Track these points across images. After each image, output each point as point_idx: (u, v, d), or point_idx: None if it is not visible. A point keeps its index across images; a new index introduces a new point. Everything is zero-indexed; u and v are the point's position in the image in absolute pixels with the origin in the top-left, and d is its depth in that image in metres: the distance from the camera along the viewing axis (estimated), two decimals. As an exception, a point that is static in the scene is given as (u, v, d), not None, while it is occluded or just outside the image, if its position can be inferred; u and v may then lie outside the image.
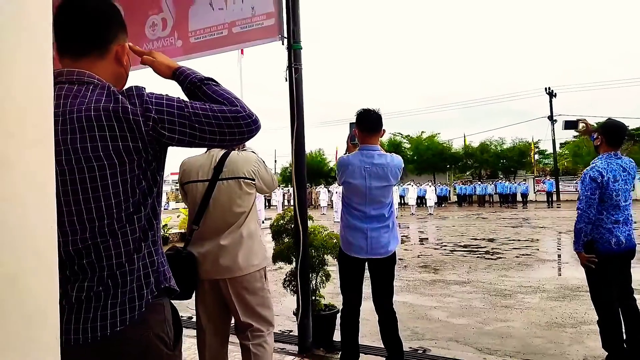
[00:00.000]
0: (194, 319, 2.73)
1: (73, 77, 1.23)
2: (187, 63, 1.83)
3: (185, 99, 1.30)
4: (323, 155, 44.91)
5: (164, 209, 31.22)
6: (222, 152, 2.50)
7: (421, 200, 29.98)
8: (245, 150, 2.62)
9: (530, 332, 4.51)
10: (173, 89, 1.36)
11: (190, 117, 1.22)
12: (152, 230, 1.25)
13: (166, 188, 45.36)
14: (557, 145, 36.46)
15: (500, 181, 33.64)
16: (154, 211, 1.26)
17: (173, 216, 15.70)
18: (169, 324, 1.27)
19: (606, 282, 3.33)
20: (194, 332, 2.70)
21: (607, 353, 3.34)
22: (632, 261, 3.48)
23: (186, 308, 5.02)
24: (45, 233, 0.80)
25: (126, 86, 1.30)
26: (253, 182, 2.48)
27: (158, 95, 1.23)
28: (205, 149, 2.60)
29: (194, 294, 2.49)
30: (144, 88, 1.25)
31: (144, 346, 1.19)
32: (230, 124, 1.25)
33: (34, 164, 0.79)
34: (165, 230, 13.27)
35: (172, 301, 1.36)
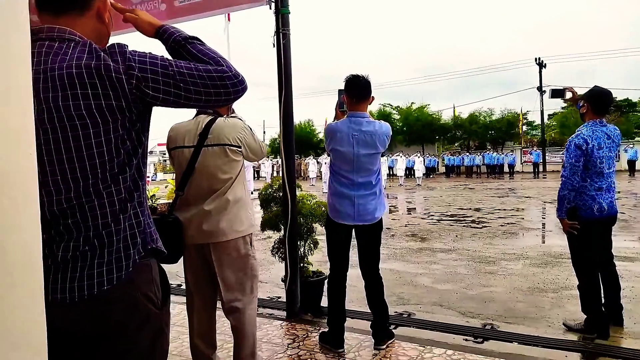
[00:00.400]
0: (184, 287, 2.76)
1: (53, 34, 1.19)
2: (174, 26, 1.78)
3: (170, 58, 1.27)
4: (312, 126, 44.66)
5: (152, 180, 31.04)
6: (209, 118, 2.46)
7: (410, 171, 30.13)
8: (232, 116, 2.58)
9: (512, 296, 4.65)
10: (157, 49, 1.33)
11: (174, 75, 1.19)
12: (137, 191, 1.25)
13: (153, 159, 44.96)
14: (545, 117, 36.71)
15: (488, 152, 33.88)
16: (139, 172, 1.25)
17: (161, 187, 15.63)
18: (157, 283, 1.28)
19: (588, 247, 3.42)
20: (184, 299, 2.74)
21: (586, 316, 3.47)
22: (612, 228, 3.57)
23: (175, 276, 5.06)
24: (25, 189, 0.79)
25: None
26: (239, 150, 2.46)
27: (141, 53, 1.20)
28: (193, 115, 2.57)
29: (181, 259, 2.50)
30: (127, 45, 1.22)
31: (132, 305, 1.21)
32: (215, 83, 1.23)
33: (12, 120, 0.77)
34: (153, 200, 13.21)
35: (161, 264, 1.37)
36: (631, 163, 26.92)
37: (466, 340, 3.33)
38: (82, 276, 1.15)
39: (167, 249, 1.37)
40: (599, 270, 3.45)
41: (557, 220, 3.56)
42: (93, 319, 1.17)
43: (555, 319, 3.92)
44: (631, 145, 28.56)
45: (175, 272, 4.88)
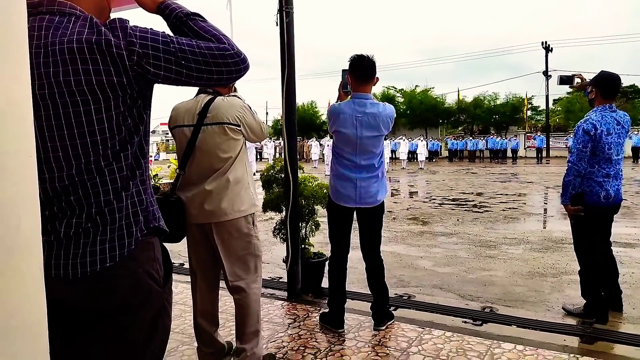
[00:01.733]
0: (186, 265, 2.78)
1: (54, 7, 1.17)
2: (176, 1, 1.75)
3: (171, 34, 1.25)
4: (315, 107, 44.41)
5: (155, 159, 31.06)
6: (208, 97, 2.45)
7: (412, 155, 30.07)
8: (232, 95, 2.56)
9: (512, 280, 4.67)
10: (158, 25, 1.30)
11: (176, 52, 1.17)
12: (139, 169, 1.24)
13: (156, 139, 44.93)
14: (550, 102, 36.41)
15: (491, 137, 33.70)
16: (141, 150, 1.24)
17: (164, 166, 15.65)
18: (159, 261, 1.29)
19: (590, 234, 3.41)
20: (187, 278, 2.76)
21: (585, 301, 3.48)
22: (615, 215, 3.56)
23: (178, 255, 5.10)
24: (24, 163, 0.78)
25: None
26: (238, 128, 2.44)
27: (142, 28, 1.18)
28: (194, 94, 2.55)
29: (184, 239, 2.51)
30: (128, 21, 1.19)
31: (134, 282, 1.21)
32: (217, 62, 1.21)
33: (10, 95, 0.76)
34: (156, 180, 13.25)
35: (164, 244, 1.37)
36: (635, 150, 26.74)
37: (465, 322, 3.36)
38: (85, 253, 1.16)
39: (169, 228, 1.37)
40: (599, 255, 3.45)
41: (559, 206, 3.56)
42: (95, 295, 1.18)
43: (555, 303, 3.94)
44: (636, 132, 28.36)
45: (178, 251, 4.91)
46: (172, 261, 1.41)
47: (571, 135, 3.52)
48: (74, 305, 1.17)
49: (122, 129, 1.18)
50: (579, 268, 3.54)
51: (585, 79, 3.64)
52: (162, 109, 2.59)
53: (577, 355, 2.79)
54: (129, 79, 1.15)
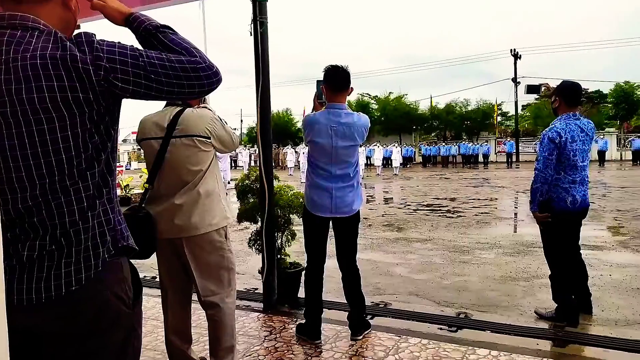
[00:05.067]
0: (158, 279, 2.71)
1: (16, 21, 1.13)
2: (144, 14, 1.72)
3: (140, 47, 1.22)
4: (290, 115, 44.42)
5: (126, 169, 30.40)
6: (177, 109, 2.39)
7: (387, 161, 30.35)
8: (202, 107, 2.51)
9: (485, 285, 4.74)
10: (127, 38, 1.27)
11: (145, 67, 1.14)
12: (106, 187, 1.20)
13: (127, 148, 44.02)
14: (519, 107, 37.38)
15: (463, 142, 34.37)
16: (108, 167, 1.20)
17: (135, 176, 15.35)
18: (128, 283, 1.25)
19: (559, 239, 3.50)
20: (159, 292, 2.69)
21: (556, 305, 3.56)
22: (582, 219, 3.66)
23: (150, 268, 4.98)
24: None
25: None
26: (209, 140, 2.40)
27: (110, 42, 1.15)
28: (163, 105, 2.50)
29: (154, 254, 2.45)
30: (94, 35, 1.16)
31: (102, 305, 1.17)
32: (189, 75, 1.19)
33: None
34: (127, 190, 12.98)
35: (133, 261, 1.33)
36: (601, 154, 27.72)
37: (441, 329, 3.38)
38: (49, 276, 1.11)
39: (138, 244, 1.33)
40: (569, 260, 3.54)
41: (529, 210, 3.63)
42: (61, 320, 1.13)
43: (527, 307, 4.02)
44: (602, 136, 29.39)
45: (150, 264, 4.80)
46: (144, 275, 1.37)
47: (539, 141, 3.60)
48: (39, 330, 1.12)
49: (88, 147, 1.14)
50: (549, 272, 3.62)
51: (552, 87, 3.74)
52: (133, 118, 2.53)
53: (550, 359, 2.84)
54: (95, 95, 1.12)
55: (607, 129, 33.55)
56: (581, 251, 3.69)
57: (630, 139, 30.81)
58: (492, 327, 3.38)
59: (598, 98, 40.28)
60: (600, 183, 16.09)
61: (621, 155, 31.96)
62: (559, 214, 3.42)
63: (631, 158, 28.14)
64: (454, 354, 2.96)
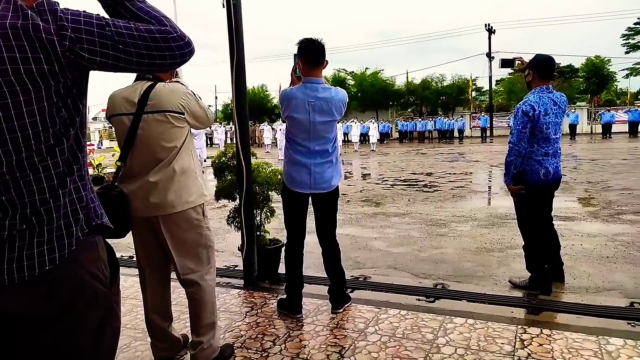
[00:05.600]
0: (135, 258, 2.67)
1: None
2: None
3: (107, 16, 1.15)
4: (266, 91, 43.83)
5: (98, 148, 29.65)
6: (148, 83, 2.31)
7: (364, 137, 30.41)
8: (174, 81, 2.43)
9: (461, 257, 4.85)
10: (92, 7, 1.20)
11: (112, 36, 1.09)
12: (77, 164, 1.15)
13: (98, 126, 42.82)
14: (493, 83, 37.79)
15: (439, 118, 34.66)
16: (77, 143, 1.15)
17: (107, 155, 15.00)
18: (104, 261, 1.21)
19: (533, 210, 3.58)
20: (137, 271, 2.65)
21: (530, 274, 3.67)
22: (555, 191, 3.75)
23: (127, 247, 4.91)
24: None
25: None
26: (182, 116, 2.33)
27: (74, 11, 1.08)
28: (133, 80, 2.41)
29: (130, 233, 2.40)
30: (57, 3, 1.09)
31: (77, 284, 1.14)
32: (159, 45, 1.13)
33: None
34: (100, 169, 12.69)
35: (110, 240, 1.30)
36: (572, 127, 28.40)
37: (419, 300, 3.46)
38: (21, 256, 1.07)
39: (113, 223, 1.30)
40: (542, 230, 3.64)
41: (503, 183, 3.69)
42: (36, 301, 1.10)
43: (502, 277, 4.13)
44: (573, 110, 30.04)
45: (127, 243, 4.73)
46: (122, 254, 1.34)
47: (512, 115, 3.64)
48: (14, 311, 1.09)
49: (56, 121, 1.08)
50: (523, 243, 3.72)
51: (525, 61, 3.76)
52: (104, 95, 2.44)
53: (524, 327, 2.94)
54: (61, 67, 1.06)
55: (578, 103, 34.31)
56: (553, 222, 3.79)
57: (600, 112, 31.65)
58: (468, 297, 3.47)
59: (569, 72, 40.99)
60: (571, 156, 16.53)
61: (591, 128, 32.84)
62: (532, 186, 3.49)
63: (601, 131, 28.95)
64: (432, 323, 3.03)
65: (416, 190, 10.00)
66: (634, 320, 2.96)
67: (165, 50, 1.15)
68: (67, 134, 1.12)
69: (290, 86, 3.21)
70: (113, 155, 14.48)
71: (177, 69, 2.55)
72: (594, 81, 37.15)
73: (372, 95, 37.29)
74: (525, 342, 2.72)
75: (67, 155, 1.12)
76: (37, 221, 1.08)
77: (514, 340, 2.75)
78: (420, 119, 35.63)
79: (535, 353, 2.59)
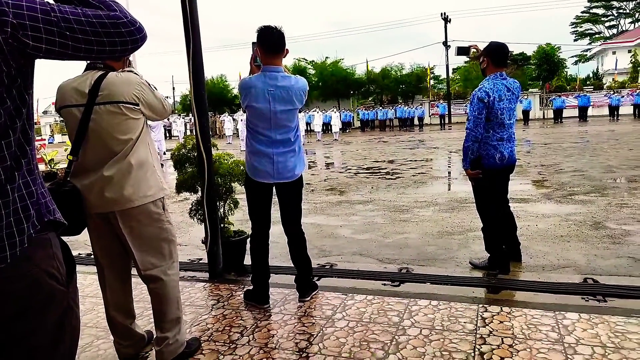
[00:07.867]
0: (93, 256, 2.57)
1: None
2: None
3: (52, 1, 1.09)
4: (225, 81, 43.04)
5: (49, 143, 28.37)
6: (99, 73, 2.21)
7: (327, 127, 30.47)
8: (127, 71, 2.34)
9: (424, 241, 4.97)
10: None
11: (58, 22, 1.03)
12: (25, 158, 1.09)
13: (49, 120, 40.93)
14: (450, 71, 38.59)
15: (399, 106, 35.13)
16: (25, 136, 1.09)
17: (60, 150, 14.38)
18: (59, 259, 1.16)
19: (490, 193, 3.70)
20: (95, 269, 2.56)
21: (489, 255, 3.81)
22: (510, 174, 3.89)
23: (84, 245, 4.74)
24: None
25: None
26: (137, 107, 2.24)
27: None
28: (83, 69, 2.30)
29: (86, 230, 2.31)
30: None
31: (32, 283, 1.08)
32: (109, 31, 1.08)
33: None
34: (52, 165, 12.16)
35: (65, 238, 1.24)
36: (526, 113, 29.49)
37: (384, 284, 3.52)
38: None
39: (67, 220, 1.24)
40: (499, 213, 3.77)
41: (462, 169, 3.79)
42: None
43: (463, 259, 4.26)
44: (526, 97, 31.13)
45: (84, 240, 4.57)
46: (78, 252, 1.29)
47: (469, 102, 3.73)
48: None
49: (0, 113, 1.02)
50: (481, 225, 3.84)
51: (480, 49, 3.85)
52: (53, 86, 2.32)
53: (485, 305, 3.05)
54: (3, 55, 0.99)
55: (530, 90, 35.56)
56: (510, 204, 3.94)
57: (551, 98, 32.97)
58: (431, 279, 3.56)
59: (522, 60, 42.43)
60: (525, 140, 17.16)
61: (544, 114, 34.20)
62: (488, 170, 3.61)
63: (553, 116, 30.19)
64: (397, 306, 3.09)
65: (379, 177, 10.13)
66: (588, 295, 3.13)
67: (115, 37, 1.10)
68: (13, 127, 1.05)
69: (249, 75, 3.16)
70: (65, 149, 13.89)
71: (130, 58, 2.45)
72: (545, 68, 38.63)
73: (333, 84, 37.34)
74: (486, 320, 2.83)
75: (15, 148, 1.06)
76: None
77: (475, 319, 2.85)
78: (381, 108, 36.00)
79: (497, 330, 2.70)
